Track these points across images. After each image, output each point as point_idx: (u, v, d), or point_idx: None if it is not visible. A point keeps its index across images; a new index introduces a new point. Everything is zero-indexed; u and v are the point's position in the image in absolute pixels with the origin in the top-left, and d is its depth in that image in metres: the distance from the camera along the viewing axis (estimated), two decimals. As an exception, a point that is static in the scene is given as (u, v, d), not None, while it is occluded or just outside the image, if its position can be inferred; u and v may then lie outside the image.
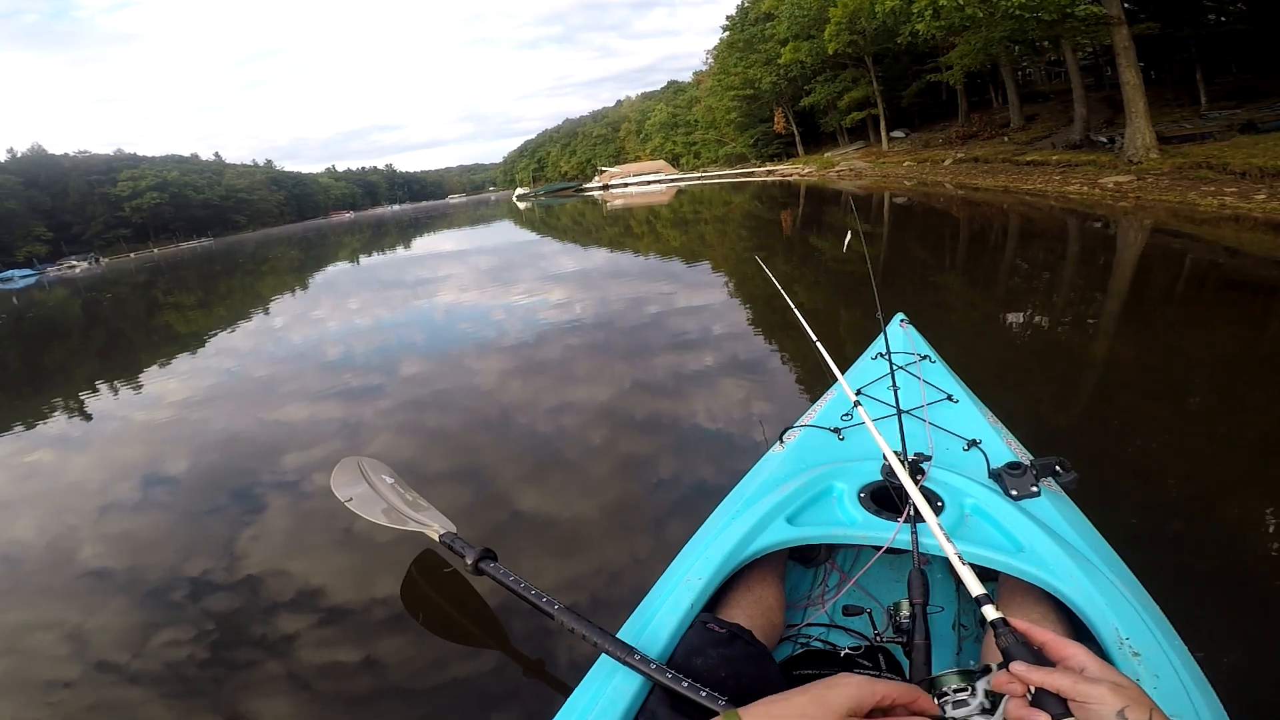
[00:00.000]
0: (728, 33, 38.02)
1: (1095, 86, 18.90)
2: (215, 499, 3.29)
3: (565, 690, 1.64)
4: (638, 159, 62.83)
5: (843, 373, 1.88)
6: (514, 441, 3.44)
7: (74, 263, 56.12)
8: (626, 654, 0.89)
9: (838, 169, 24.94)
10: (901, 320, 2.20)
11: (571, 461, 3.07)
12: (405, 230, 33.52)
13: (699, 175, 43.09)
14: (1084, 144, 14.60)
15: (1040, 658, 0.65)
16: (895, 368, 1.70)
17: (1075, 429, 2.76)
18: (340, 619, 2.13)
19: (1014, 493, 1.17)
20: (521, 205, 43.46)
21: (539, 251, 14.19)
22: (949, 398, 1.63)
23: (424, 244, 22.47)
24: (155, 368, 7.56)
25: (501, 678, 1.78)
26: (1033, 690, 0.62)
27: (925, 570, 0.94)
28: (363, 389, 4.95)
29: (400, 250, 21.36)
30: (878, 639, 1.11)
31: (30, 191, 64.17)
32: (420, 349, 6.12)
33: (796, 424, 1.64)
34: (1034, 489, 1.17)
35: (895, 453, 1.16)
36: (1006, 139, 18.96)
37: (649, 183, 45.12)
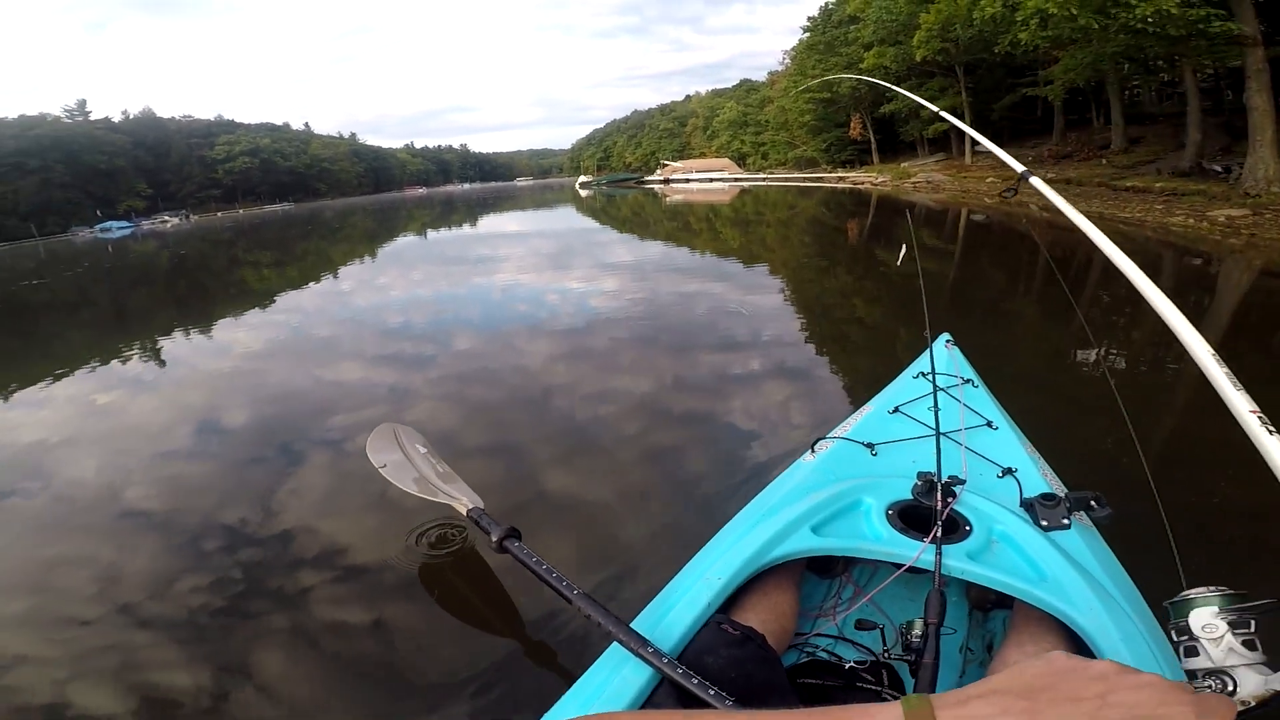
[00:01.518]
0: (808, 34, 37.08)
1: (1212, 111, 17.42)
2: (261, 450, 3.41)
3: (570, 676, 1.62)
4: (703, 155, 62.14)
5: (882, 388, 1.89)
6: (550, 423, 3.43)
7: (166, 218, 60.14)
8: (639, 645, 0.90)
9: (914, 180, 24.03)
10: (947, 341, 2.17)
11: (603, 449, 3.04)
12: (473, 209, 34.31)
13: (765, 176, 42.33)
14: (1194, 172, 13.49)
15: None
16: (937, 389, 1.66)
17: (1126, 472, 2.55)
18: (357, 581, 2.15)
19: (1044, 523, 1.16)
20: (583, 193, 43.83)
21: (597, 240, 14.25)
22: (988, 424, 1.62)
23: (489, 223, 22.91)
24: (228, 319, 7.96)
25: (510, 656, 1.78)
26: None
27: (944, 592, 0.94)
28: (415, 357, 5.05)
29: (466, 228, 21.87)
30: (885, 655, 1.11)
31: (137, 151, 68.96)
32: (473, 324, 6.22)
33: (830, 435, 1.64)
34: (1065, 521, 1.16)
35: (928, 473, 1.20)
36: (1105, 161, 17.76)
37: (711, 180, 44.61)
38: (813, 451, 1.57)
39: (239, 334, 6.95)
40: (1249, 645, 0.50)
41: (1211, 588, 0.55)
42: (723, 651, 0.90)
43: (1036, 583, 1.00)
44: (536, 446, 3.14)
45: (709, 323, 5.45)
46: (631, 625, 0.96)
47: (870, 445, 1.51)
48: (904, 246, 2.18)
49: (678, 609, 1.00)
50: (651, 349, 4.81)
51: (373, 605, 2.02)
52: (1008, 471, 1.37)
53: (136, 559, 2.44)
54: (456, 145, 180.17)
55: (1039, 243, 9.50)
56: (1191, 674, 0.53)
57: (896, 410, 1.68)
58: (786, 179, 37.15)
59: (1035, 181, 1.64)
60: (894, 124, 31.96)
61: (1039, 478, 1.37)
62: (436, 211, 34.68)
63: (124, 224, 55.30)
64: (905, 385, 1.89)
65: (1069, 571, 1.01)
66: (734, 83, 70.04)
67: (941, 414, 1.51)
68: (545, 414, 3.61)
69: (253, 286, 11.86)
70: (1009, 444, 1.54)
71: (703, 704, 0.81)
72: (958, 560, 1.03)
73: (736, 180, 42.87)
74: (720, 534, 1.29)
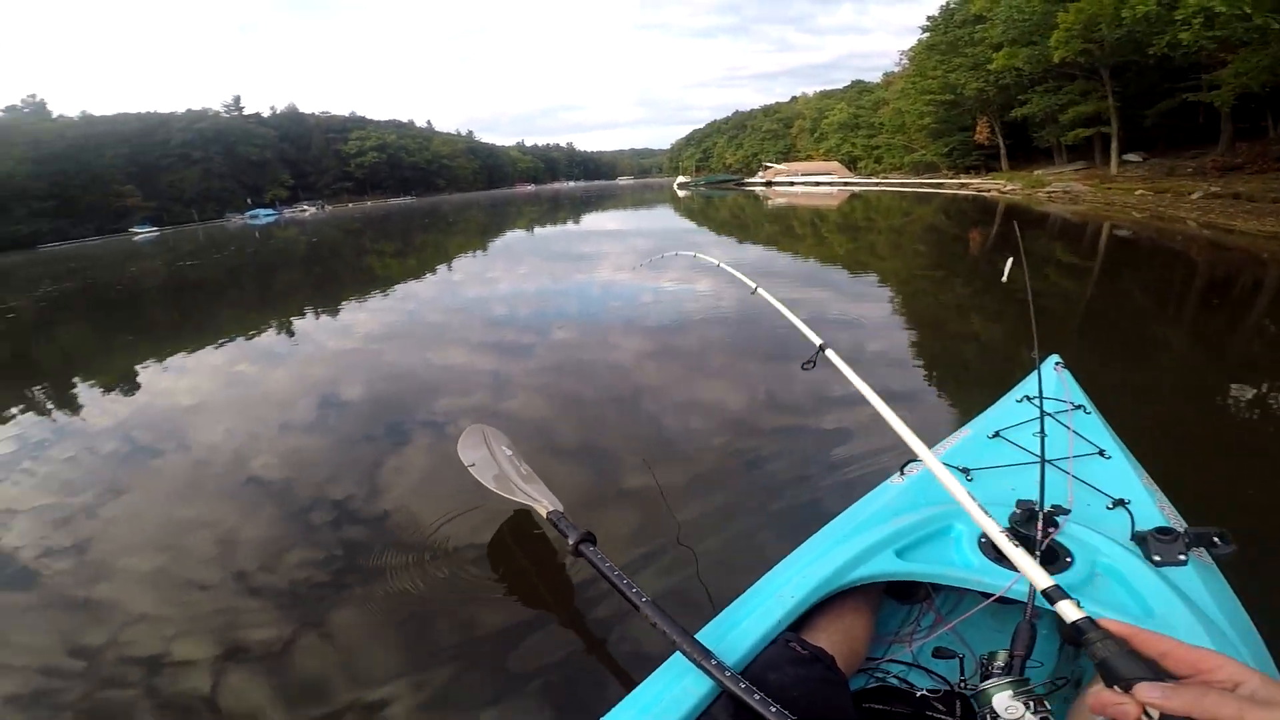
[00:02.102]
0: (927, 34, 35.14)
1: None
2: (370, 428, 3.64)
3: (629, 682, 1.60)
4: (809, 158, 60.52)
5: (982, 412, 1.83)
6: (635, 425, 3.42)
7: (305, 207, 66.35)
8: (702, 656, 0.88)
9: (1049, 189, 22.02)
10: (1057, 364, 2.04)
11: (684, 455, 2.98)
12: (576, 206, 35.29)
13: (877, 181, 40.51)
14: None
15: (1158, 673, 0.51)
16: (1044, 414, 1.60)
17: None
18: (438, 564, 2.23)
19: (1156, 558, 1.09)
20: (681, 193, 43.86)
21: (694, 241, 14.17)
22: (1100, 452, 1.51)
23: (591, 221, 23.44)
24: (352, 302, 8.62)
25: (571, 656, 1.80)
26: (1152, 715, 0.47)
27: (1035, 624, 0.90)
28: (514, 347, 5.23)
29: (570, 225, 22.50)
30: (961, 685, 1.07)
31: (282, 144, 76.56)
32: (571, 319, 6.34)
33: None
34: (1181, 557, 1.08)
35: (1029, 501, 1.15)
36: (1282, 174, 15.50)
37: (818, 183, 43.32)
38: (901, 474, 1.52)
39: (361, 316, 7.51)
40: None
41: (1000, 680, 0.57)
42: (788, 670, 0.88)
43: (1142, 619, 0.93)
44: (619, 447, 3.14)
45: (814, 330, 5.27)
46: (696, 637, 0.95)
47: (966, 470, 1.44)
48: (1009, 260, 1.97)
49: (745, 624, 0.98)
50: (744, 354, 4.70)
51: (449, 589, 2.09)
52: (1119, 503, 1.28)
53: (251, 523, 2.65)
54: (563, 144, 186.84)
55: (1195, 261, 8.45)
56: (1083, 680, 0.64)
57: (997, 435, 1.62)
58: (902, 184, 35.28)
59: (830, 354, 1.64)
60: (1028, 128, 29.51)
61: (1155, 510, 1.28)
62: (544, 208, 35.95)
63: (270, 211, 61.44)
64: (1008, 409, 1.81)
65: (1180, 610, 0.95)
66: (844, 84, 67.58)
67: (1048, 440, 1.44)
68: (631, 415, 3.61)
69: (377, 273, 12.80)
70: (1122, 474, 1.43)
71: None
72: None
73: (846, 184, 41.32)
74: (796, 553, 1.26)
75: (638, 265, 8.63)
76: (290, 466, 3.20)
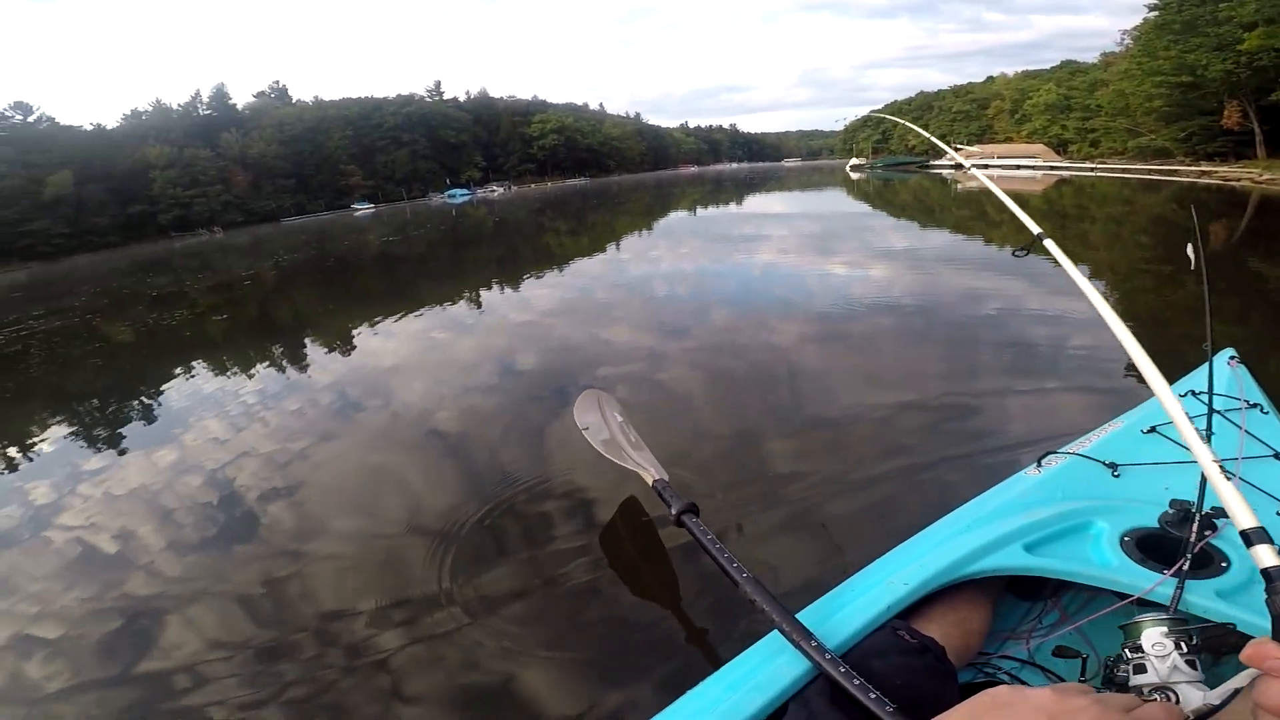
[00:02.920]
0: (1157, 12, 30.38)
1: None
2: (539, 391, 4.04)
3: (718, 658, 1.62)
4: (1008, 140, 54.57)
5: (1137, 406, 1.72)
6: (785, 409, 3.40)
7: (494, 188, 72.58)
8: (802, 637, 0.86)
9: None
10: (1231, 358, 1.84)
11: (833, 445, 2.89)
12: (740, 188, 34.87)
13: (1092, 166, 35.18)
14: None
15: None
16: (1213, 410, 1.45)
17: None
18: (552, 525, 2.40)
19: None
20: (854, 175, 41.33)
21: (867, 225, 13.39)
22: (1276, 455, 1.34)
23: (754, 203, 23.05)
24: (531, 278, 9.41)
25: (664, 630, 1.82)
26: None
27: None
28: (674, 326, 5.39)
29: (733, 206, 22.34)
30: None
31: (475, 128, 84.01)
32: (729, 300, 6.37)
33: (1063, 450, 1.47)
34: None
35: (1184, 502, 1.07)
36: None
37: (1018, 167, 38.59)
38: (1039, 466, 1.43)
39: (539, 291, 8.19)
40: (1191, 664, 0.52)
41: (1163, 611, 0.54)
42: (894, 657, 0.84)
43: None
44: (764, 429, 3.13)
45: (993, 324, 4.81)
46: (797, 617, 0.92)
47: (1113, 465, 1.34)
48: (1190, 247, 1.67)
49: (851, 608, 0.94)
50: (914, 344, 4.42)
51: (560, 550, 2.24)
52: None
53: (429, 474, 3.05)
54: (726, 125, 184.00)
55: None
56: (1139, 689, 0.55)
57: (1153, 430, 1.48)
58: (1124, 170, 30.39)
59: (1049, 244, 1.45)
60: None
61: None
62: (706, 189, 36.00)
63: (465, 191, 68.14)
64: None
65: None
66: (1051, 64, 59.79)
67: (1214, 439, 1.34)
68: (783, 398, 3.59)
69: (554, 250, 13.78)
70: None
71: (859, 706, 0.76)
72: (1202, 597, 0.89)
73: (1052, 169, 36.46)
74: (913, 540, 1.21)
75: (804, 248, 8.40)
76: (467, 422, 3.63)
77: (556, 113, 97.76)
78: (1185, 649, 0.55)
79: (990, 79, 74.66)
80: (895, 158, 64.61)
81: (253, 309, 10.19)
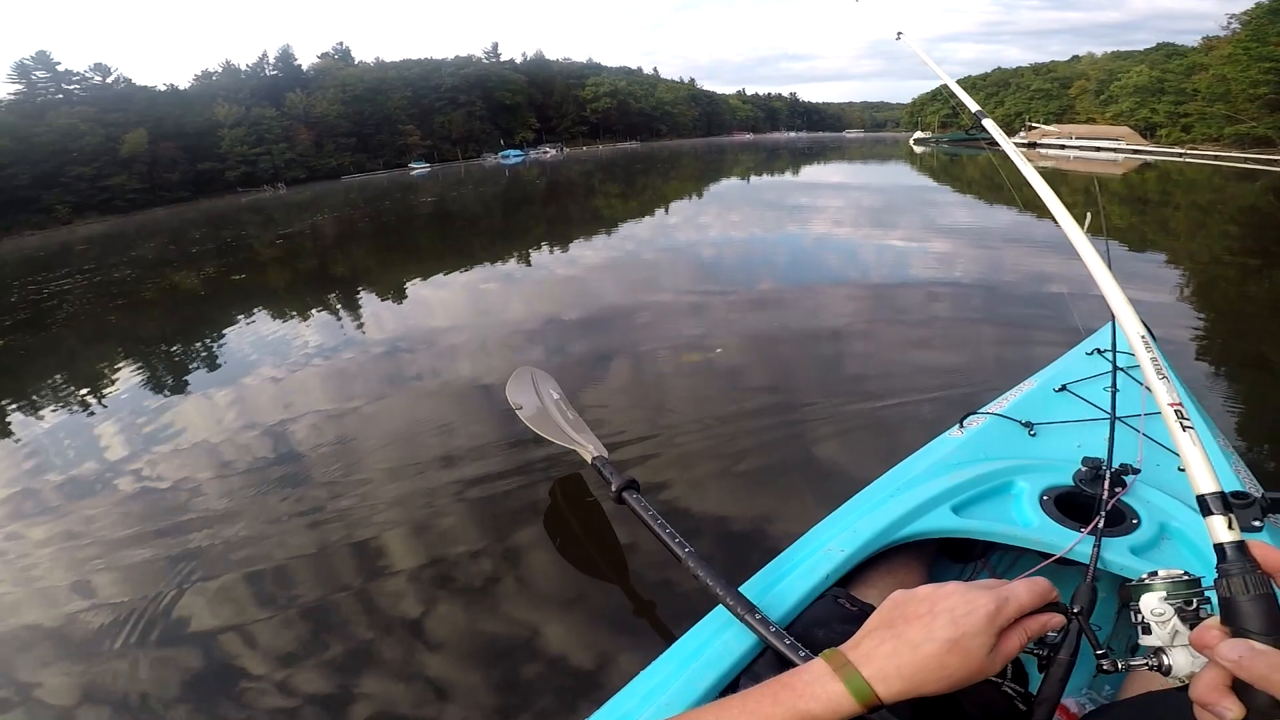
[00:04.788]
0: None
1: None
2: (578, 347, 4.12)
3: (671, 635, 1.58)
4: (1090, 121, 51.33)
5: (1048, 365, 1.78)
6: (834, 383, 3.31)
7: (547, 149, 72.45)
8: (747, 611, 0.86)
9: None
10: None
11: (887, 421, 2.80)
12: (796, 157, 33.87)
13: (1180, 151, 32.88)
14: None
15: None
16: (1116, 368, 1.52)
17: None
18: (488, 508, 2.36)
19: None
20: (918, 149, 39.57)
21: (930, 199, 12.86)
22: (1177, 411, 1.20)
23: (811, 173, 22.41)
24: (579, 239, 9.44)
25: (613, 607, 1.81)
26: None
27: (1096, 587, 0.86)
28: (718, 294, 5.33)
29: (788, 175, 21.75)
30: None
31: (530, 90, 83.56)
32: (778, 272, 6.26)
33: (982, 410, 1.51)
34: (1256, 523, 0.88)
35: (1096, 459, 1.11)
36: None
37: (1099, 148, 36.24)
38: (961, 427, 1.46)
39: (586, 252, 8.21)
40: (1191, 628, 0.52)
41: (1166, 573, 0.56)
42: (836, 626, 0.84)
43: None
44: (809, 402, 3.06)
45: (1067, 305, 4.62)
46: (740, 590, 0.92)
47: (1029, 424, 1.38)
48: (1089, 216, 1.64)
49: (792, 578, 0.95)
50: (969, 324, 4.27)
51: (494, 533, 2.21)
52: None
53: (470, 422, 3.12)
54: (786, 93, 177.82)
55: None
56: (1138, 649, 0.55)
57: (1064, 389, 1.54)
58: (1216, 157, 28.28)
59: (987, 123, 1.41)
60: None
61: (1230, 473, 1.19)
62: (761, 157, 35.10)
63: (518, 153, 68.05)
64: (1076, 362, 1.73)
65: None
66: (1144, 46, 56.18)
67: (1120, 396, 1.39)
68: (830, 371, 3.53)
69: (603, 213, 13.75)
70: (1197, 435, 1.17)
71: None
72: (1118, 554, 0.94)
73: (1136, 152, 34.22)
74: (846, 506, 1.21)
75: (859, 220, 8.15)
76: (498, 372, 3.65)
77: (610, 76, 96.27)
78: (1185, 615, 0.54)
79: (1075, 58, 70.63)
80: (962, 133, 61.67)
81: (313, 260, 10.58)
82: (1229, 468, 1.24)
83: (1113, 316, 1.66)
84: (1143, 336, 0.77)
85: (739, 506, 2.27)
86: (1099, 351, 1.74)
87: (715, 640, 0.86)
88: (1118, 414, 1.33)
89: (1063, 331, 1.76)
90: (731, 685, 0.81)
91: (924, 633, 0.54)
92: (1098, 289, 0.86)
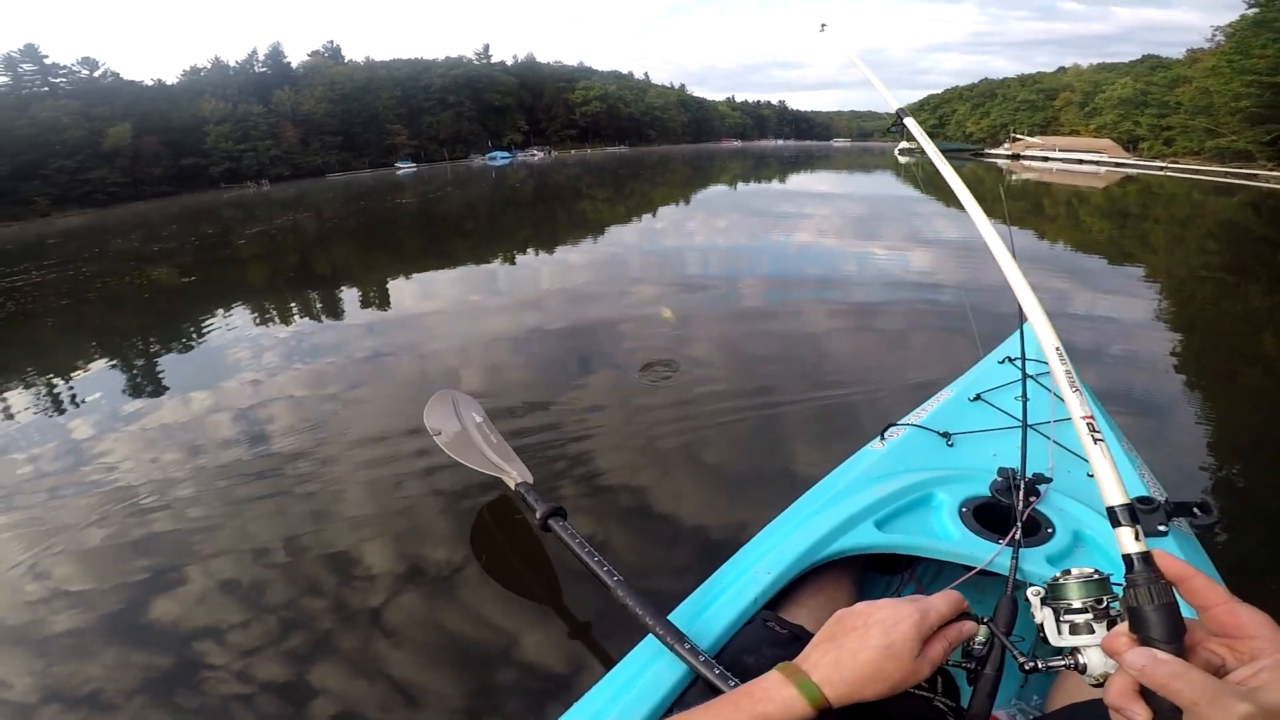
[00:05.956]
0: (1256, 9, 29.59)
1: None
2: (561, 356, 4.06)
3: (606, 663, 1.56)
4: (1074, 133, 52.26)
5: (962, 374, 1.78)
6: (813, 395, 3.31)
7: (535, 152, 72.35)
8: (676, 640, 0.85)
9: None
10: None
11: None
12: (784, 165, 34.09)
13: (1162, 165, 33.60)
14: None
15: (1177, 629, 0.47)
16: (1026, 376, 1.51)
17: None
18: (409, 544, 2.20)
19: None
20: (902, 159, 39.95)
21: (914, 210, 13.01)
22: (1085, 417, 1.23)
23: (798, 181, 22.54)
24: (566, 244, 9.38)
25: (545, 636, 1.74)
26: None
27: (1016, 598, 0.85)
28: (704, 300, 5.32)
29: (775, 183, 21.85)
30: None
31: (520, 92, 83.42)
32: (762, 280, 6.24)
33: (902, 421, 1.51)
34: (1161, 528, 1.04)
35: (1010, 469, 1.13)
36: None
37: (1080, 160, 36.91)
38: (882, 439, 1.45)
39: (571, 256, 8.17)
40: (1106, 626, 0.54)
41: (1078, 572, 0.57)
42: (766, 650, 0.83)
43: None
44: (786, 414, 3.05)
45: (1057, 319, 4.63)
46: (670, 618, 0.90)
47: (946, 435, 1.39)
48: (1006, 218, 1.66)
49: (720, 603, 0.93)
50: (951, 335, 4.28)
51: (418, 568, 2.07)
52: None
53: (394, 438, 2.97)
54: (774, 101, 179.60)
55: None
56: (1059, 650, 0.57)
57: (978, 398, 1.57)
58: (1196, 171, 28.97)
59: (908, 122, 1.31)
60: None
61: (1136, 479, 1.22)
62: (749, 165, 35.28)
63: (506, 154, 67.97)
64: (989, 370, 1.76)
65: None
66: (1129, 58, 57.39)
67: (1030, 404, 1.40)
68: (811, 380, 3.49)
69: (589, 217, 13.72)
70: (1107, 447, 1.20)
71: None
72: (1036, 565, 0.96)
73: (1118, 165, 34.89)
74: (773, 524, 1.19)
75: (844, 229, 8.19)
76: (488, 379, 3.69)
77: (600, 80, 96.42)
78: (1096, 614, 0.55)
79: (1061, 69, 71.74)
80: (950, 143, 62.49)
81: (293, 257, 10.43)
82: (1134, 473, 1.26)
83: (1020, 323, 1.70)
84: (1056, 348, 0.75)
85: (682, 519, 2.24)
86: (1009, 360, 1.76)
87: (647, 671, 0.85)
88: (1029, 421, 1.35)
89: (975, 337, 1.77)
90: (664, 716, 0.80)
91: (860, 642, 0.60)
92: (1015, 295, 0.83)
